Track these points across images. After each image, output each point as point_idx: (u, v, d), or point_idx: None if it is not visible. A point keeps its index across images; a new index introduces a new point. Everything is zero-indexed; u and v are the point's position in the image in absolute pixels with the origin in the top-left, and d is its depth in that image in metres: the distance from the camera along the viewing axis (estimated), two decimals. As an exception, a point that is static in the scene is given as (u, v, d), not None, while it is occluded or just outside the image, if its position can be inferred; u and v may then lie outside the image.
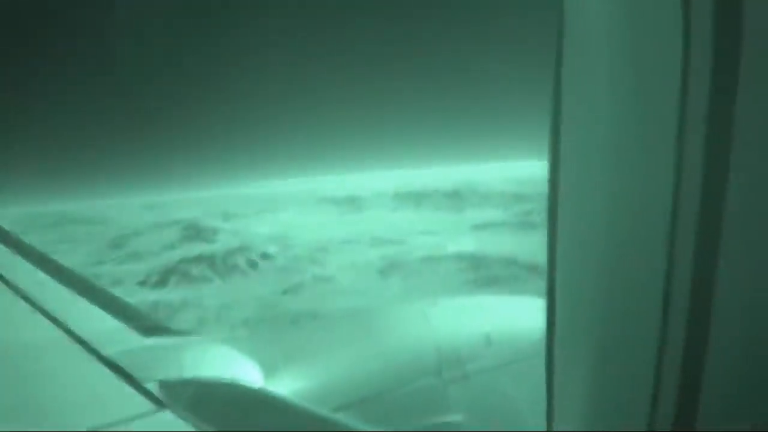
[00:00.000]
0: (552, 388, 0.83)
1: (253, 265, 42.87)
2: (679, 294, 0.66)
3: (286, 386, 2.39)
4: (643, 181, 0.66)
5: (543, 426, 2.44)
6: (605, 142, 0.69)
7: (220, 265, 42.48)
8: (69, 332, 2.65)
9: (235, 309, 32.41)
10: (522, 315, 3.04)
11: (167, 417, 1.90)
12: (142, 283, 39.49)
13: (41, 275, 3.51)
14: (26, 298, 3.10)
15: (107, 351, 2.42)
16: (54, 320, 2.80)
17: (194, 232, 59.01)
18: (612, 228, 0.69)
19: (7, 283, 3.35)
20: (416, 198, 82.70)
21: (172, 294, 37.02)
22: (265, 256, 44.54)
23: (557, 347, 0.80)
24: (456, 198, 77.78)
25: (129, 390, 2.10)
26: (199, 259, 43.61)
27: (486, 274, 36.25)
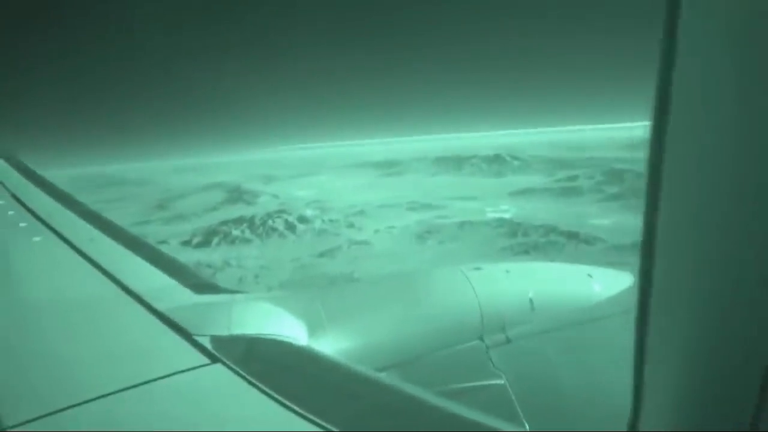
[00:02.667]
0: (641, 386, 0.78)
1: (291, 227, 43.57)
2: None
3: (331, 345, 2.42)
4: (759, 178, 0.61)
5: (582, 397, 2.35)
6: (723, 133, 0.63)
7: (260, 227, 43.35)
8: (124, 287, 2.73)
9: (273, 270, 33.15)
10: (566, 282, 2.99)
11: (219, 371, 1.94)
12: (186, 243, 40.73)
13: (96, 233, 3.65)
14: (82, 254, 3.22)
15: (160, 306, 2.48)
16: (109, 275, 2.89)
17: (236, 194, 60.41)
18: (723, 221, 0.65)
19: (64, 239, 3.48)
20: (457, 162, 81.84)
21: (213, 254, 38.09)
22: (303, 219, 45.16)
23: (651, 342, 0.76)
24: (497, 163, 76.62)
25: (182, 344, 2.15)
26: (240, 221, 44.60)
27: (524, 241, 35.75)
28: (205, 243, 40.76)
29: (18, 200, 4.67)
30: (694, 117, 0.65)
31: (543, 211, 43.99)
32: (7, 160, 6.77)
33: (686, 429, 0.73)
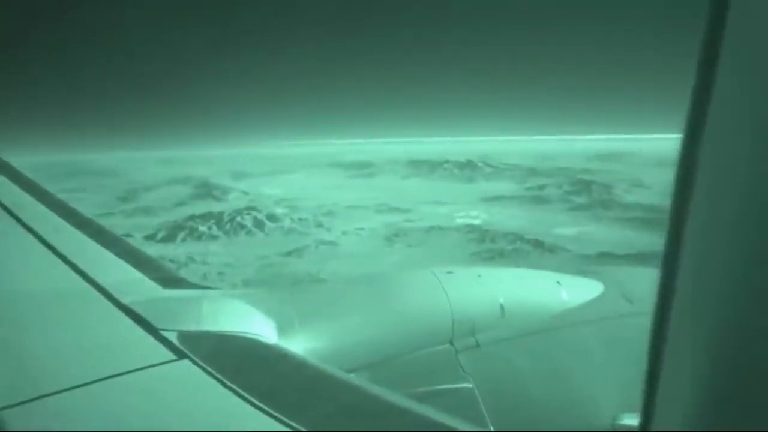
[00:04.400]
0: (655, 386, 0.78)
1: (260, 225, 43.16)
2: None
3: (300, 345, 2.41)
4: None
5: (548, 401, 2.38)
6: (758, 143, 0.62)
7: (228, 223, 42.81)
8: (89, 280, 2.63)
9: (238, 268, 32.77)
10: (536, 288, 3.01)
11: (186, 367, 1.92)
12: (150, 237, 39.89)
13: (62, 223, 3.57)
14: (47, 245, 3.13)
15: (127, 300, 2.42)
16: (74, 267, 2.77)
17: (205, 189, 59.48)
18: (749, 233, 0.64)
19: (29, 229, 3.39)
20: (429, 167, 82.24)
21: (178, 249, 37.42)
22: (271, 217, 44.77)
23: (669, 342, 0.75)
24: (469, 169, 77.31)
25: (149, 339, 2.11)
26: (207, 216, 43.95)
27: (490, 248, 36.16)
28: (169, 238, 40.01)
29: None
30: (731, 126, 0.64)
31: (512, 218, 44.60)
32: None
33: (702, 429, 0.72)
